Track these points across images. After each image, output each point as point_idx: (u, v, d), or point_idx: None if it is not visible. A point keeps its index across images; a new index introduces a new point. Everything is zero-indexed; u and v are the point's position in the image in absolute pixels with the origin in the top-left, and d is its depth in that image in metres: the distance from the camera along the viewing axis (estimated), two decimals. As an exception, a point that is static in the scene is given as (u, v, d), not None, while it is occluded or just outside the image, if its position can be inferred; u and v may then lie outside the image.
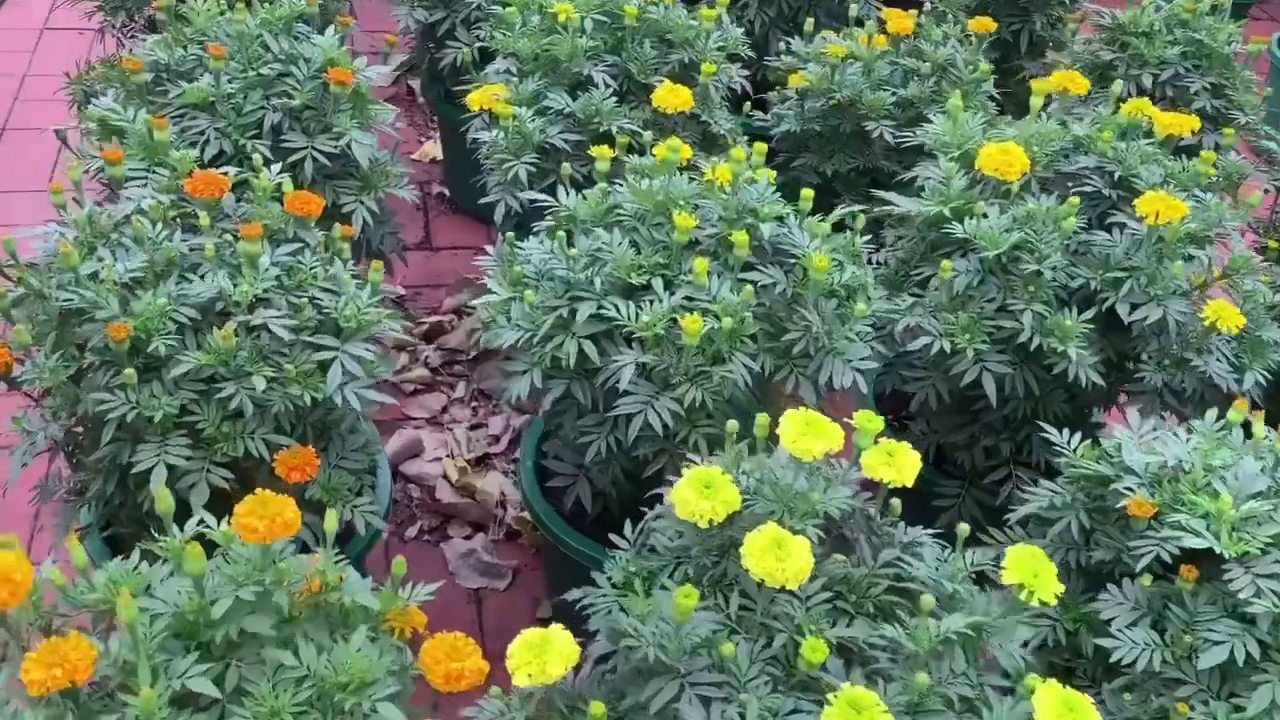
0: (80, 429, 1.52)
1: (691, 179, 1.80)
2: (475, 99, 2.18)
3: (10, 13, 4.06)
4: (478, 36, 2.70)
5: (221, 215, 1.67)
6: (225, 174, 1.68)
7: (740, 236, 1.63)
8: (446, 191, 3.35)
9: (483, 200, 2.11)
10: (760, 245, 1.70)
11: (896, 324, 1.86)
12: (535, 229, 1.87)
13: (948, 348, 1.79)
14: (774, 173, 1.84)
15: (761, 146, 1.79)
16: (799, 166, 2.52)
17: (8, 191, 3.17)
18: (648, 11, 2.24)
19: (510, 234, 1.86)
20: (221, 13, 2.19)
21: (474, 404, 2.67)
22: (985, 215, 1.81)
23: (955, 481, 2.06)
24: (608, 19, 2.24)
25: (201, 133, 1.99)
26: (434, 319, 2.86)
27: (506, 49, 2.20)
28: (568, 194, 1.85)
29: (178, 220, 1.66)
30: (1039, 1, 3.07)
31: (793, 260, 1.70)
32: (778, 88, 2.66)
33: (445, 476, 2.45)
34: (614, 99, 2.14)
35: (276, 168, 1.76)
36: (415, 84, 3.72)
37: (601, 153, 1.81)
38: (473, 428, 2.60)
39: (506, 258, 1.89)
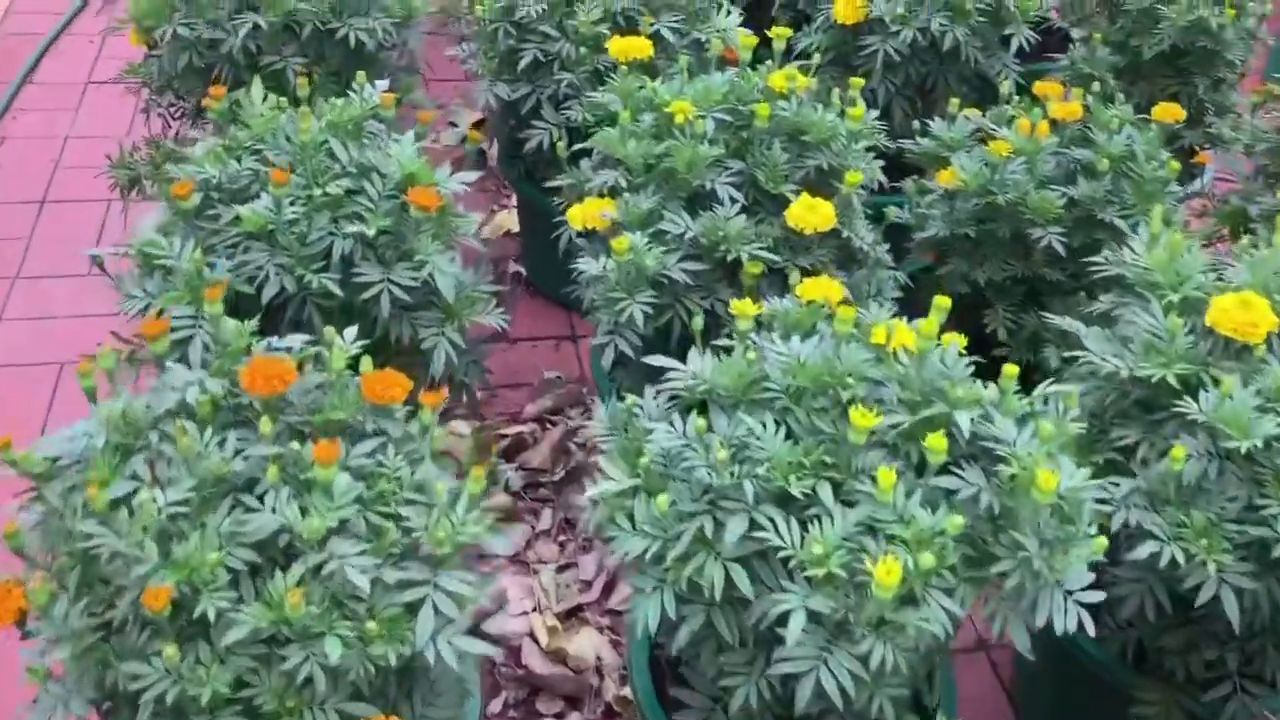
0: (109, 702, 1.20)
1: (856, 341, 1.45)
2: (577, 216, 1.85)
3: (50, 63, 3.80)
4: (568, 119, 2.38)
5: (285, 404, 1.35)
6: (289, 357, 1.36)
7: (937, 441, 1.28)
8: (523, 272, 3.03)
9: (594, 342, 1.77)
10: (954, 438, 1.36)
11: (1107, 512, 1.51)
12: (656, 389, 1.54)
13: (1181, 558, 1.44)
14: (946, 299, 1.49)
15: (944, 301, 1.44)
16: (946, 275, 2.16)
17: (45, 277, 2.90)
18: (779, 108, 1.89)
19: (629, 402, 1.52)
20: (281, 110, 1.88)
21: (561, 538, 2.35)
22: (1230, 396, 1.44)
23: (1160, 687, 1.70)
24: (731, 117, 1.90)
25: (260, 268, 1.68)
26: (514, 430, 2.54)
27: (613, 152, 1.87)
28: (701, 354, 1.51)
29: (232, 409, 1.34)
30: (1202, 62, 2.69)
31: (995, 457, 1.35)
32: (915, 177, 2.31)
33: (533, 636, 2.12)
34: (740, 215, 1.80)
35: (351, 334, 1.44)
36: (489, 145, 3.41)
37: (743, 310, 1.47)
38: (561, 568, 2.27)
39: (620, 423, 1.55)
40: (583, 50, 2.37)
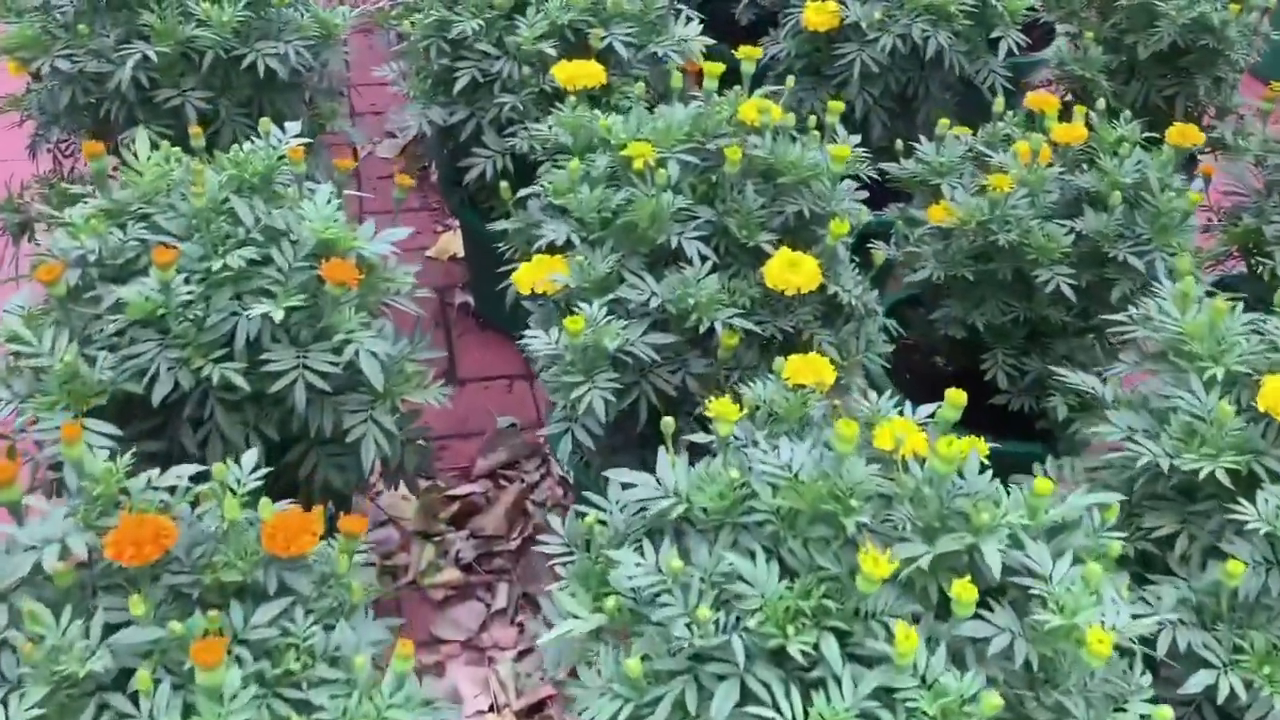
0: None
1: (870, 459, 1.22)
2: (525, 278, 1.60)
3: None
4: (512, 147, 2.12)
5: (168, 560, 1.10)
6: (169, 505, 1.11)
7: (966, 592, 1.06)
8: (471, 302, 2.77)
9: (549, 430, 1.52)
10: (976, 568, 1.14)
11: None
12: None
13: (1242, 691, 1.23)
14: (961, 395, 1.26)
15: (959, 399, 1.21)
16: (940, 318, 1.94)
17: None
18: (750, 145, 1.65)
19: (589, 520, 1.28)
20: (176, 161, 1.61)
21: (520, 617, 2.11)
22: (1296, 500, 1.23)
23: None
24: (696, 158, 1.65)
25: (150, 361, 1.42)
26: (464, 490, 2.30)
27: (568, 205, 1.62)
28: (673, 458, 1.27)
29: (99, 569, 1.09)
30: (1203, 60, 2.47)
31: (1028, 592, 1.13)
32: (900, 206, 2.08)
33: (491, 740, 1.90)
34: (712, 275, 1.56)
35: (250, 460, 1.19)
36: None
37: (724, 414, 1.23)
38: (521, 654, 2.04)
39: (581, 540, 1.31)
40: (526, 70, 2.11)
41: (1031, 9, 2.49)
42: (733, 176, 1.61)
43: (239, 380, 1.44)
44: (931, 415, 1.31)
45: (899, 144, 2.12)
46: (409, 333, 1.72)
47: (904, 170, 2.05)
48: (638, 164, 1.60)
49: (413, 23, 2.17)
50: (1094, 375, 1.63)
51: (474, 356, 2.65)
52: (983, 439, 1.25)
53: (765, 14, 2.69)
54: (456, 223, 2.91)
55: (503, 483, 2.33)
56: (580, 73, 1.82)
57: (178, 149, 1.62)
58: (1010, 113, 2.08)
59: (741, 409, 1.29)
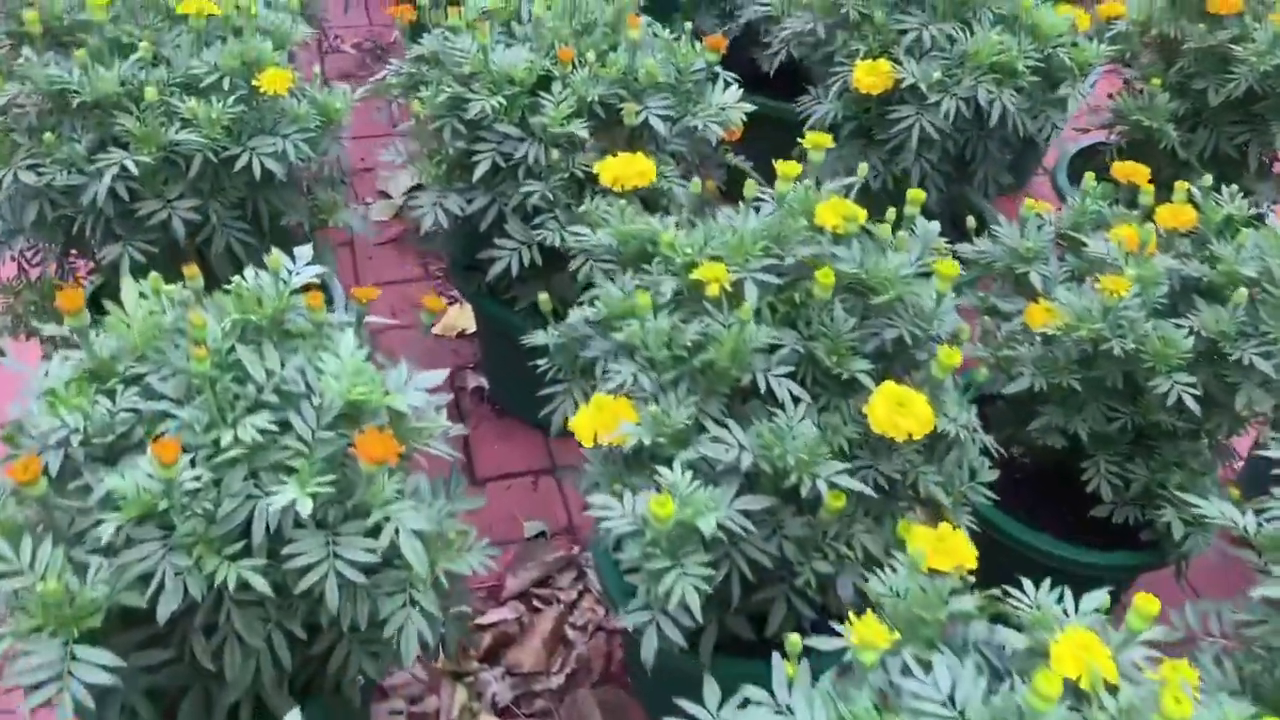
0: None
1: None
2: (586, 427, 1.37)
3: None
4: (541, 241, 1.89)
5: None
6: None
7: None
8: (485, 386, 2.53)
9: (627, 622, 1.29)
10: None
11: None
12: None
13: None
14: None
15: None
16: (1039, 429, 1.72)
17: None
18: (836, 259, 1.43)
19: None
20: (169, 301, 1.37)
21: (571, 771, 1.89)
22: None
23: None
24: (776, 276, 1.43)
25: (154, 566, 1.18)
26: (494, 617, 2.06)
27: (632, 340, 1.39)
28: (789, 690, 1.04)
29: None
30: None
31: None
32: (981, 296, 1.87)
33: None
34: (805, 419, 1.34)
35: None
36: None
37: (869, 637, 1.01)
38: (575, 816, 1.82)
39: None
40: (555, 154, 1.88)
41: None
42: (821, 300, 1.39)
43: (259, 583, 1.20)
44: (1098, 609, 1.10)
45: (970, 222, 1.91)
46: (441, 475, 1.49)
47: (982, 254, 1.83)
48: (713, 289, 1.37)
49: (422, 100, 1.93)
50: (1229, 503, 1.43)
51: (493, 450, 2.41)
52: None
53: (792, 62, 2.47)
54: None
55: (537, 604, 2.10)
56: (628, 171, 1.59)
57: (171, 287, 1.38)
58: (1095, 183, 1.87)
59: (873, 608, 1.07)
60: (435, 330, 2.68)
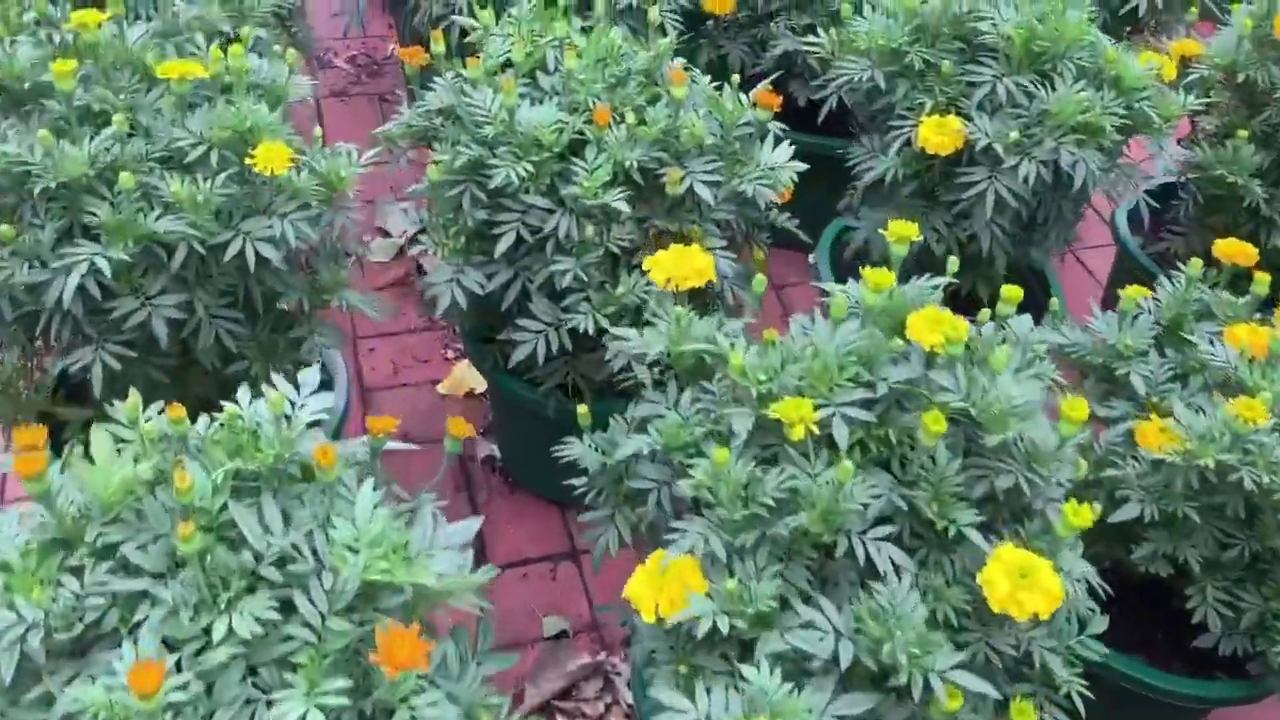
0: None
1: None
2: (646, 597, 1.15)
3: None
4: (576, 328, 1.67)
5: None
6: None
7: None
8: (497, 455, 2.31)
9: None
10: None
11: None
12: None
13: None
14: None
15: None
16: (1144, 556, 1.52)
17: None
18: (936, 386, 1.21)
19: None
20: (150, 444, 1.15)
21: None
22: None
23: None
24: (867, 412, 1.21)
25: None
26: (516, 733, 1.85)
27: (700, 493, 1.17)
28: None
29: None
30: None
31: None
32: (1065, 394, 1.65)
33: None
34: (911, 592, 1.13)
35: None
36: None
37: None
38: None
39: None
40: (589, 229, 1.66)
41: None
42: (929, 447, 1.18)
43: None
44: None
45: (1055, 303, 1.70)
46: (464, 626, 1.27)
47: (1074, 346, 1.63)
48: (797, 432, 1.15)
49: (437, 163, 1.70)
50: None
51: (507, 532, 2.19)
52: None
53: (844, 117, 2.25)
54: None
55: (560, 719, 1.89)
56: (683, 269, 1.36)
57: (150, 426, 1.15)
58: (1201, 268, 1.66)
59: None
60: (442, 389, 2.46)
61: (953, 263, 1.44)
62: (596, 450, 1.43)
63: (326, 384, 1.80)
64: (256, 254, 1.45)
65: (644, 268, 1.41)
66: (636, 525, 1.40)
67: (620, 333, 1.40)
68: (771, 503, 1.13)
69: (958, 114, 1.85)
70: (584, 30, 1.86)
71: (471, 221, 1.70)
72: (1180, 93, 1.94)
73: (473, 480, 2.28)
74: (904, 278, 1.36)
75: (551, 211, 1.67)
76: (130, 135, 1.44)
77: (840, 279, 2.29)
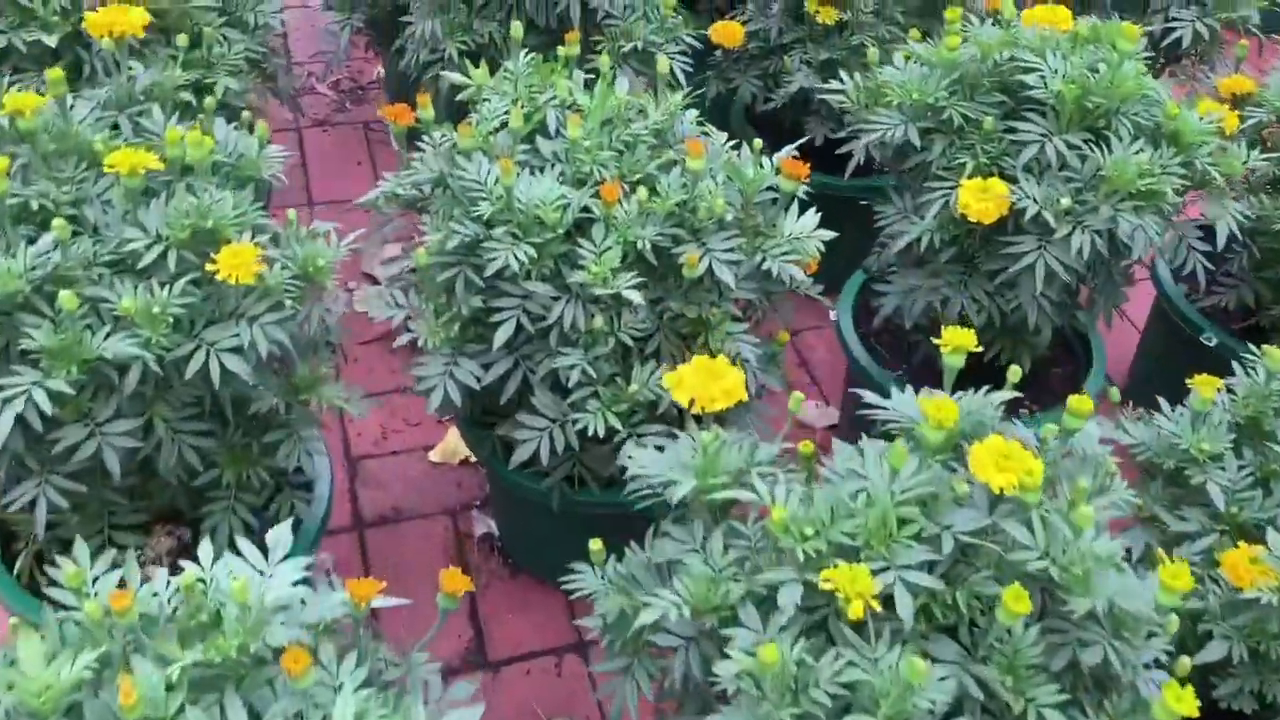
0: None
1: None
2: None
3: None
4: (583, 430, 1.50)
5: None
6: None
7: None
8: (495, 532, 2.14)
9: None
10: None
11: None
12: None
13: None
14: None
15: None
16: (1228, 694, 1.35)
17: None
18: (1009, 540, 1.04)
19: None
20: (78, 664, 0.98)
21: None
22: None
23: None
24: (929, 567, 1.04)
25: None
26: None
27: (741, 681, 1.00)
28: None
29: None
30: None
31: None
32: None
33: None
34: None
35: None
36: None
37: None
38: None
39: None
40: (597, 320, 1.48)
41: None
42: (1007, 622, 1.01)
43: None
44: None
45: (1114, 393, 1.53)
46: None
47: (1140, 446, 1.46)
48: (855, 610, 0.98)
49: (427, 250, 1.52)
50: None
51: (507, 622, 2.02)
52: None
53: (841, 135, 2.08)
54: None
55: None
56: (711, 389, 1.19)
57: (93, 605, 0.98)
58: (1270, 351, 1.49)
59: None
60: (434, 457, 2.29)
61: (1014, 372, 1.27)
62: (611, 585, 1.26)
63: (306, 485, 1.62)
64: (222, 366, 1.27)
65: (664, 384, 1.23)
66: (655, 674, 1.23)
67: (637, 456, 1.23)
68: (827, 701, 0.96)
69: (1001, 175, 1.68)
70: (587, 86, 1.69)
71: (466, 309, 1.53)
72: (1241, 146, 1.77)
73: (469, 561, 2.10)
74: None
75: (555, 299, 1.49)
76: (75, 234, 1.27)
77: (863, 338, 2.14)
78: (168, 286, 1.24)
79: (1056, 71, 1.65)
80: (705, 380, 1.20)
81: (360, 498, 2.20)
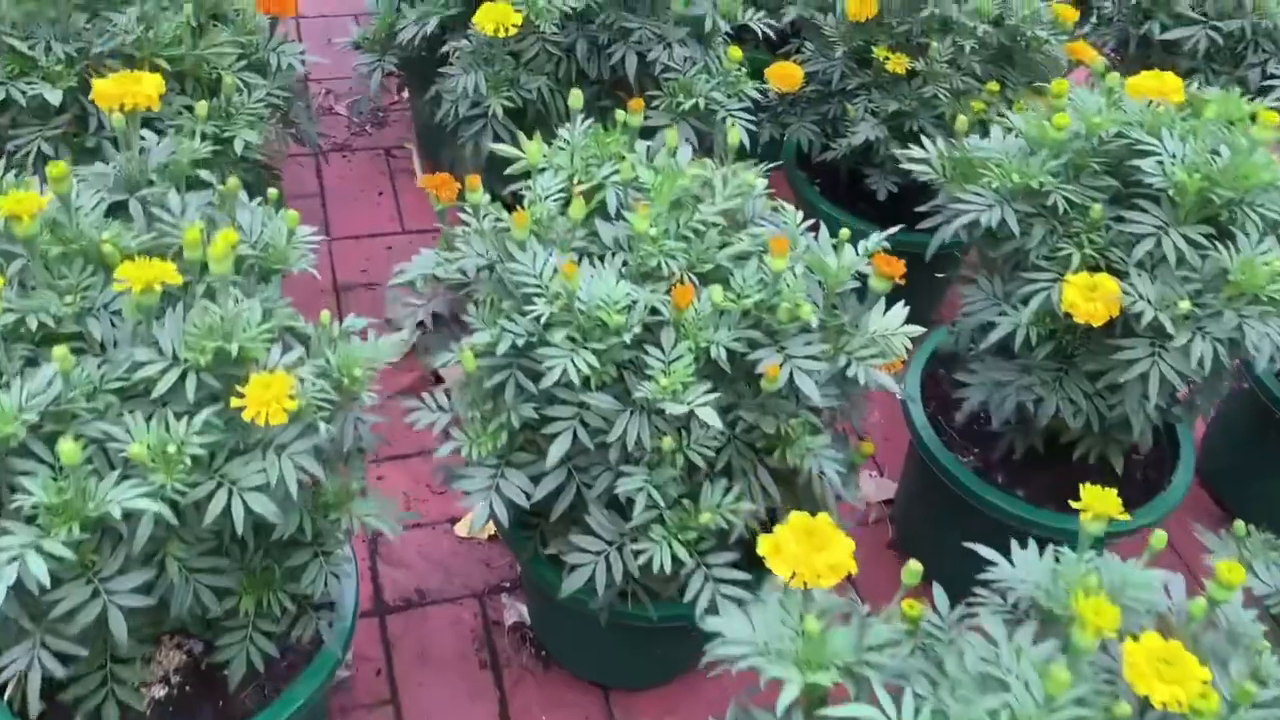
0: None
1: None
2: None
3: None
4: (639, 555, 1.34)
5: None
6: None
7: None
8: (527, 620, 1.97)
9: None
10: None
11: None
12: None
13: None
14: None
15: None
16: None
17: None
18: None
19: None
20: None
21: None
22: None
23: None
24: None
25: None
26: None
27: None
28: None
29: None
30: None
31: None
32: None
33: None
34: None
35: None
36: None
37: None
38: None
39: None
40: (667, 441, 1.31)
41: None
42: None
43: None
44: None
45: (1239, 526, 1.37)
46: None
47: (1277, 598, 1.29)
48: None
49: (473, 349, 1.35)
50: None
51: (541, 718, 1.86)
52: None
53: (908, 186, 1.92)
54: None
55: None
56: (816, 565, 1.02)
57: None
58: None
59: None
60: (460, 531, 2.13)
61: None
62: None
63: (328, 605, 1.46)
64: (246, 507, 1.10)
65: (760, 552, 1.06)
66: None
67: (723, 628, 1.06)
68: None
69: (1108, 269, 1.51)
70: (649, 161, 1.51)
71: (516, 419, 1.36)
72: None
73: (498, 654, 1.94)
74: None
75: (618, 411, 1.33)
76: (79, 351, 1.10)
77: (934, 422, 1.97)
78: (185, 419, 1.07)
79: (1175, 156, 1.48)
80: (808, 551, 1.03)
81: (381, 576, 2.04)
